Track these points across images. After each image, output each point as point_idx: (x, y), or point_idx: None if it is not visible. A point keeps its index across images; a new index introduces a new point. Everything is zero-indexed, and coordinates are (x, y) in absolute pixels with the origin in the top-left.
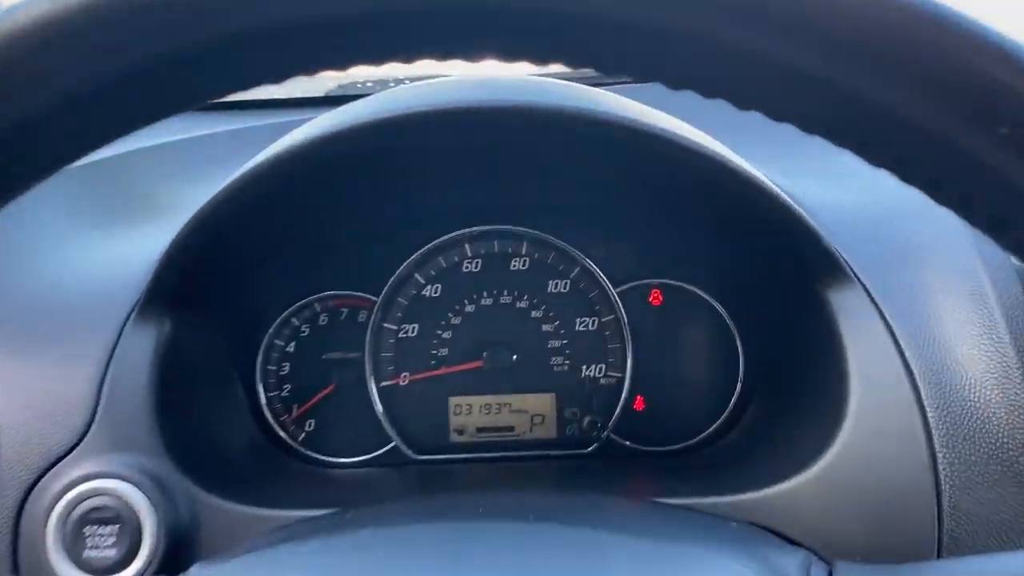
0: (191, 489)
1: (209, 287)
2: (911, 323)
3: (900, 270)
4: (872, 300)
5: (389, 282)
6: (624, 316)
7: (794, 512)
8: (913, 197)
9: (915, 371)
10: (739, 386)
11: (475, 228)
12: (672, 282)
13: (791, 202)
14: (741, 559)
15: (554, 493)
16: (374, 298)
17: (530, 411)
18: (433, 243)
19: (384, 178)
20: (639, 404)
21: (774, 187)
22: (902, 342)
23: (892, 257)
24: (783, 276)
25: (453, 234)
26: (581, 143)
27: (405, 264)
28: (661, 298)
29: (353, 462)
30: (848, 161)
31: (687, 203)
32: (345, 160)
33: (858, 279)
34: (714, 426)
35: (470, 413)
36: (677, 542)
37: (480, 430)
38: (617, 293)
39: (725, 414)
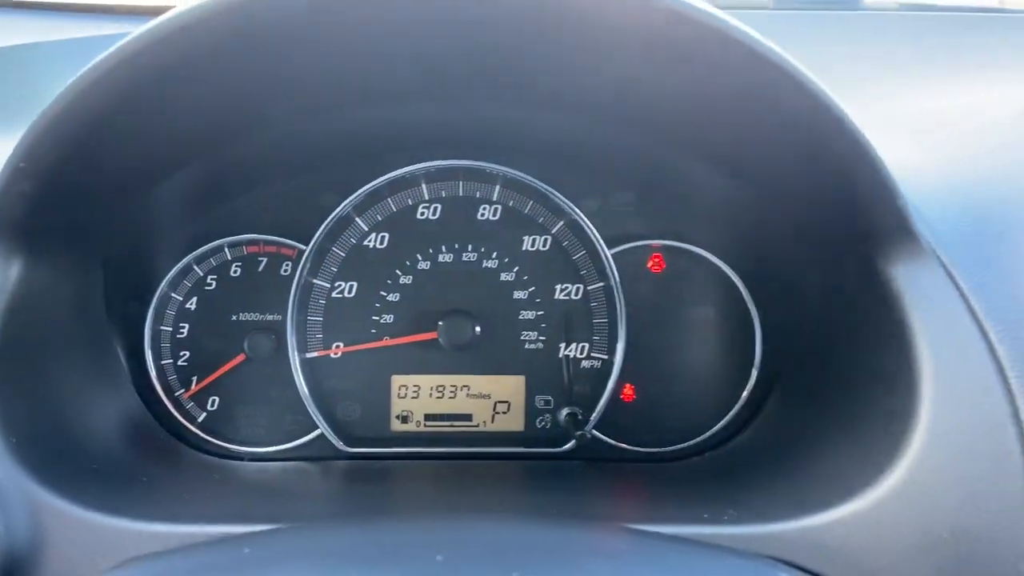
0: (36, 493)
1: (73, 216)
2: (1001, 308)
3: (988, 244)
4: (950, 277)
5: (322, 227)
6: (618, 283)
7: (838, 550)
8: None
9: (1008, 371)
10: (754, 374)
11: (435, 163)
12: (677, 244)
13: (870, 143)
14: None
15: (518, 508)
16: (302, 246)
17: (493, 397)
18: (381, 180)
19: (315, 81)
20: (628, 394)
21: (848, 117)
22: (990, 331)
23: (978, 228)
24: (830, 242)
25: (407, 169)
26: (598, 35)
27: (343, 205)
28: (663, 263)
29: (267, 453)
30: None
31: (722, 133)
32: (253, 43)
33: (934, 251)
34: (722, 422)
35: (417, 396)
36: None
37: (429, 418)
38: (612, 255)
39: (736, 408)
